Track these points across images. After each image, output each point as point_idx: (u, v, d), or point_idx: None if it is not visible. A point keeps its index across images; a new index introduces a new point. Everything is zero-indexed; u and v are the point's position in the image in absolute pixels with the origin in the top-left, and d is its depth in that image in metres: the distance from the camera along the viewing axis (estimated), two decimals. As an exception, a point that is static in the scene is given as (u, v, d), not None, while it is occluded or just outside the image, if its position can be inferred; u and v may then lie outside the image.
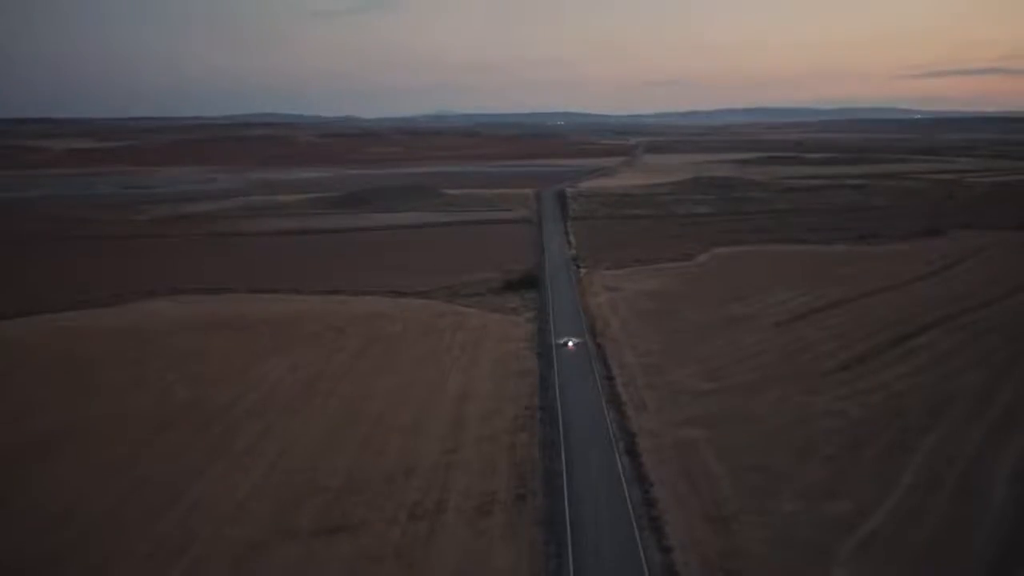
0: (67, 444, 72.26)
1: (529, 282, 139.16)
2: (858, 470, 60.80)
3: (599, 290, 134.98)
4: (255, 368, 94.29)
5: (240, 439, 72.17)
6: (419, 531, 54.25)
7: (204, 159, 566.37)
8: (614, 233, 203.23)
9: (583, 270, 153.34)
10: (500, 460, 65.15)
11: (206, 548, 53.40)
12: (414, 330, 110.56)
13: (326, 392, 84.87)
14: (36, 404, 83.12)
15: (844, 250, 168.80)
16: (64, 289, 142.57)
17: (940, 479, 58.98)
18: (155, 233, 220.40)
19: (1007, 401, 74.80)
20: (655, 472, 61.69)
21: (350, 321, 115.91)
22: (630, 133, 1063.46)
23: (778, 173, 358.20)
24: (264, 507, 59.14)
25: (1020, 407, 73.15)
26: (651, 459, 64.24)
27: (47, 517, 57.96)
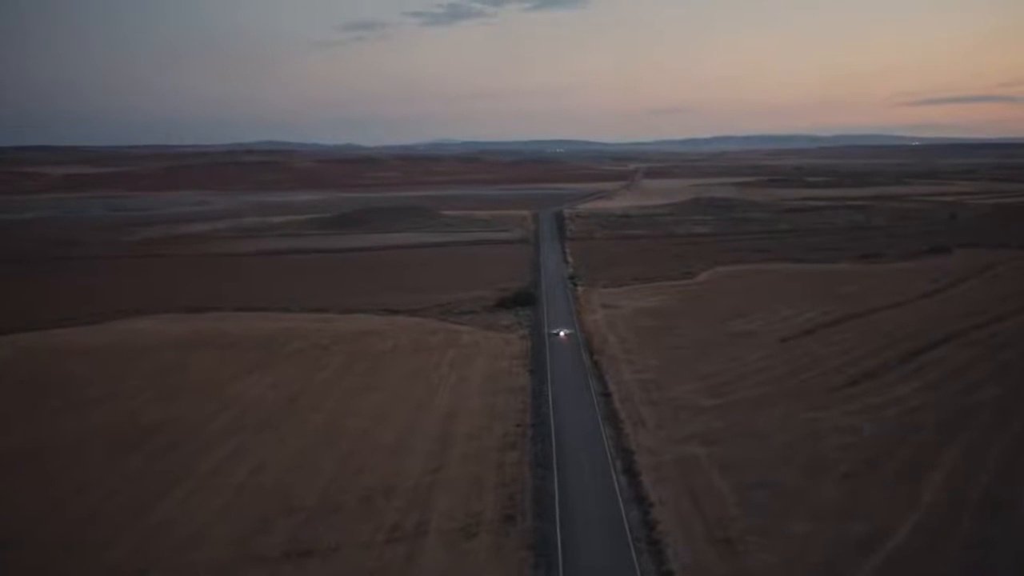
0: (27, 464, 67.73)
1: (524, 300, 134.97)
2: (874, 488, 56.24)
3: (596, 308, 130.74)
4: (234, 385, 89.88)
5: (210, 458, 67.58)
6: (397, 555, 49.62)
7: (199, 184, 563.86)
8: (612, 253, 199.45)
9: (580, 288, 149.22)
10: (488, 479, 60.56)
11: (164, 575, 48.78)
12: (403, 347, 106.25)
13: (307, 409, 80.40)
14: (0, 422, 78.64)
15: (847, 268, 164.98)
16: (49, 308, 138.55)
17: (963, 497, 54.42)
18: (145, 253, 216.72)
19: (1028, 416, 70.32)
20: (655, 491, 57.12)
21: (337, 339, 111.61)
22: (629, 159, 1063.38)
23: (778, 195, 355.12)
24: (229, 530, 54.49)
25: (1043, 422, 68.69)
26: (650, 477, 59.68)
27: (-7, 543, 53.30)
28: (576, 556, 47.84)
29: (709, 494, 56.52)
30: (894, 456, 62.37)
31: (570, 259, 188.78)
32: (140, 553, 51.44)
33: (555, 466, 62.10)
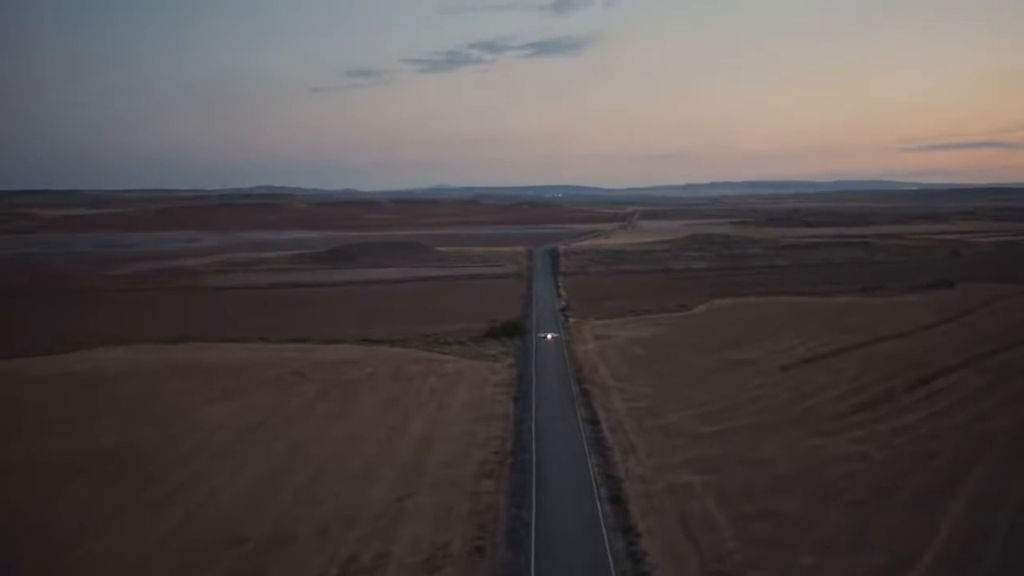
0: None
1: (513, 330, 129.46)
2: (888, 518, 50.39)
3: (588, 338, 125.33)
4: (199, 412, 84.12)
5: (160, 486, 61.75)
6: (349, 590, 43.78)
7: (194, 225, 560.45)
8: (607, 287, 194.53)
9: (572, 319, 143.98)
10: (459, 508, 54.71)
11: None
12: (382, 375, 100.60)
13: (271, 436, 74.67)
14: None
15: (849, 301, 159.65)
16: (23, 339, 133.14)
17: (986, 528, 48.57)
18: (130, 287, 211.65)
19: (1051, 443, 64.61)
20: (643, 521, 51.30)
21: (314, 367, 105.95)
22: (627, 203, 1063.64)
23: (776, 233, 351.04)
24: (171, 560, 48.75)
25: (1068, 450, 62.96)
26: (639, 506, 53.89)
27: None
28: (551, 591, 42.04)
29: (704, 524, 50.72)
30: (907, 484, 56.59)
31: (563, 292, 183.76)
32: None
33: (534, 494, 56.34)
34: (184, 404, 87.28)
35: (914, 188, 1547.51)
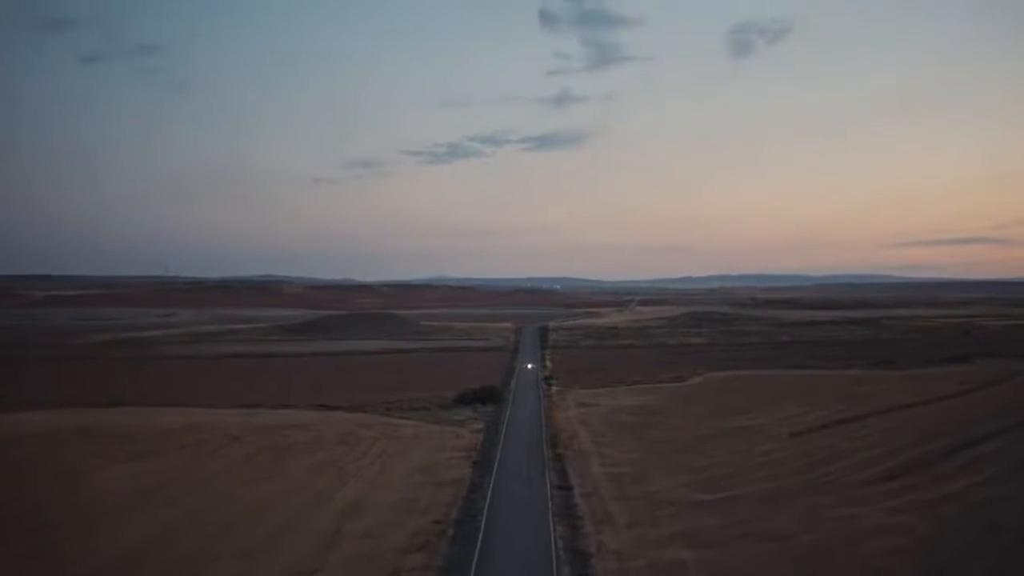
0: None
1: (487, 396, 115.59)
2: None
3: (570, 406, 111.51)
4: (91, 476, 69.77)
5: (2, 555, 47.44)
6: None
7: (182, 304, 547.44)
8: (597, 359, 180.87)
9: (555, 388, 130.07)
10: (368, 590, 40.46)
11: None
12: (327, 440, 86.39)
13: (165, 502, 60.27)
14: None
15: (860, 373, 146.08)
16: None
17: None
18: (87, 355, 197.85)
19: None
20: (616, 610, 37.07)
21: (252, 431, 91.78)
22: (625, 294, 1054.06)
23: (776, 314, 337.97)
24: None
25: None
26: (611, 590, 39.66)
27: None
28: None
29: (700, 615, 36.49)
30: (970, 564, 42.48)
31: (549, 363, 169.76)
32: None
33: (472, 572, 42.10)
34: (76, 469, 72.88)
35: (910, 281, 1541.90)
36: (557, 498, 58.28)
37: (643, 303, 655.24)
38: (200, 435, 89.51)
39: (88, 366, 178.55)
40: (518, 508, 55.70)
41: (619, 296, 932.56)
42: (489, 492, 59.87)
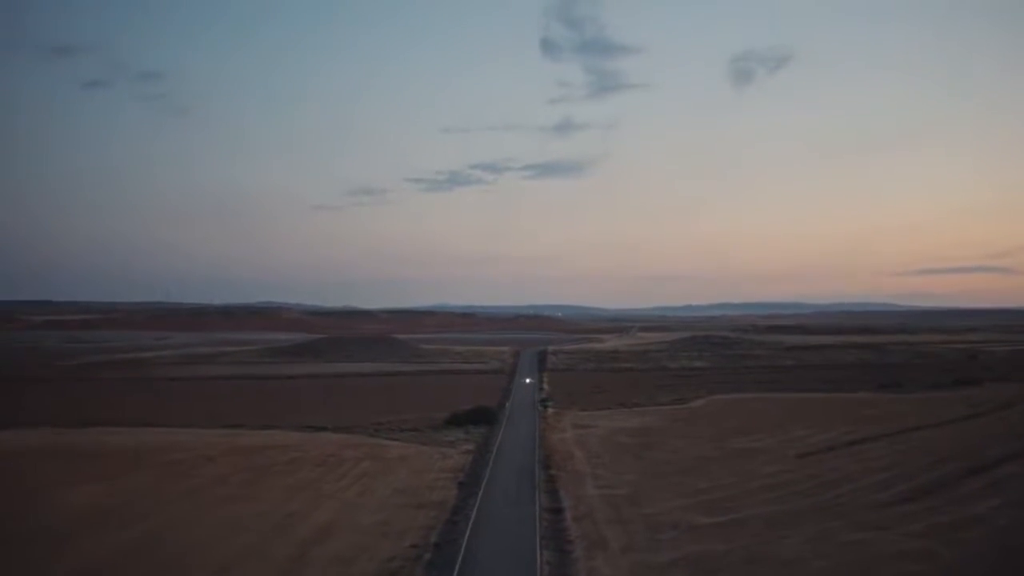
0: None
1: (480, 417, 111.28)
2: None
3: (566, 427, 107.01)
4: (55, 494, 65.36)
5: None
6: None
7: (180, 327, 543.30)
8: (596, 382, 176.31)
9: (551, 410, 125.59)
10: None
11: None
12: (308, 460, 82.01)
13: (123, 522, 55.90)
14: None
15: (867, 396, 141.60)
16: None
17: None
18: (72, 376, 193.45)
19: None
20: (606, 645, 32.64)
21: (230, 451, 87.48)
22: (627, 321, 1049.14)
23: (779, 339, 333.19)
24: None
25: None
26: (602, 622, 35.24)
27: None
28: None
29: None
30: (1003, 595, 38.04)
31: (546, 386, 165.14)
32: None
33: (447, 601, 37.76)
34: (40, 486, 68.61)
35: (912, 309, 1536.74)
36: (546, 521, 53.89)
37: (644, 329, 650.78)
38: (174, 455, 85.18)
39: (74, 387, 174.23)
40: (503, 531, 51.33)
41: (620, 323, 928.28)
42: (473, 514, 55.50)
